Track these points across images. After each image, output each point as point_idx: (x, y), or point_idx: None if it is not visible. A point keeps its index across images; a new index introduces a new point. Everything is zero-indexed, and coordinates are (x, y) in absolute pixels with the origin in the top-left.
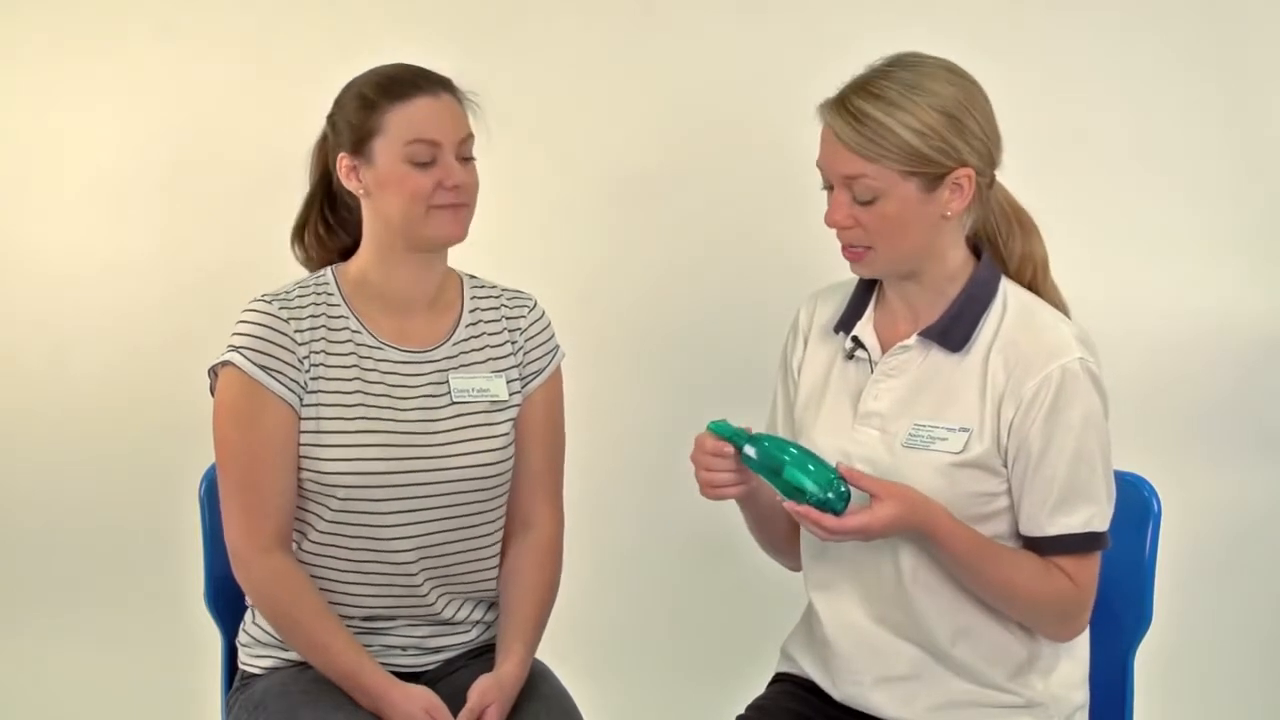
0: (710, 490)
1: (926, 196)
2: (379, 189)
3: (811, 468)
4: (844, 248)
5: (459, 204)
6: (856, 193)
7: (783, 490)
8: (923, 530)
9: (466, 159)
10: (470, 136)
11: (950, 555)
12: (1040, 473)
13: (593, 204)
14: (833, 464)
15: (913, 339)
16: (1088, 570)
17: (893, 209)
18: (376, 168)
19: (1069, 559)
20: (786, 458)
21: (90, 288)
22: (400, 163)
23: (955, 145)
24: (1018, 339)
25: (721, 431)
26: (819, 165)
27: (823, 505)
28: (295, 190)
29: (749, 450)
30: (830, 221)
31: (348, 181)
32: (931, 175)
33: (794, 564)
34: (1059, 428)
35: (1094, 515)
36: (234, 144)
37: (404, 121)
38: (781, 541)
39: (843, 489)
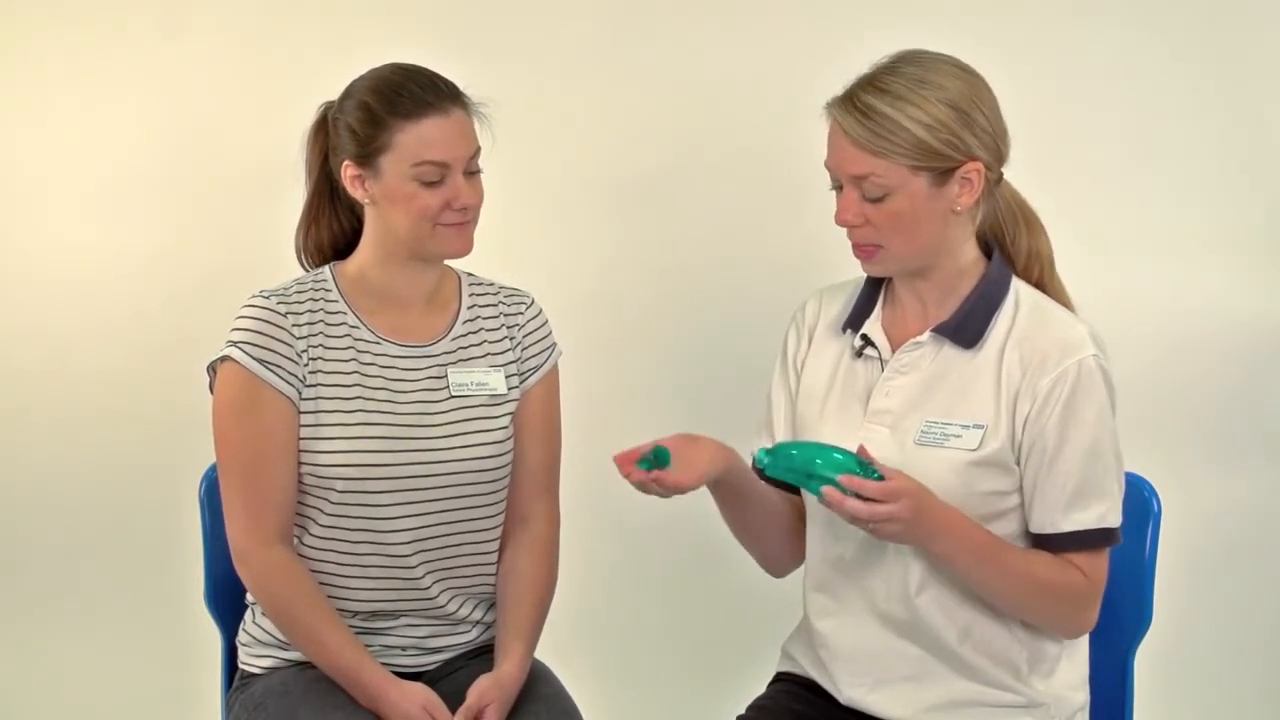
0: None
1: (936, 191)
2: (386, 202)
3: (839, 456)
4: (855, 246)
5: (465, 221)
6: (866, 190)
7: (814, 489)
8: (939, 519)
9: (473, 173)
10: (478, 150)
11: (969, 547)
12: (1055, 469)
13: (596, 206)
14: (853, 449)
15: (925, 335)
16: (1100, 565)
17: (903, 205)
18: (383, 182)
19: (1082, 555)
20: (818, 459)
21: (90, 289)
22: (408, 181)
23: (964, 139)
24: (1033, 335)
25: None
26: (827, 166)
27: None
28: (295, 192)
29: (778, 460)
30: (840, 221)
31: (353, 190)
32: (940, 170)
33: (772, 555)
34: (1074, 424)
35: (1107, 511)
36: (234, 146)
37: (413, 142)
38: (756, 528)
39: (872, 470)
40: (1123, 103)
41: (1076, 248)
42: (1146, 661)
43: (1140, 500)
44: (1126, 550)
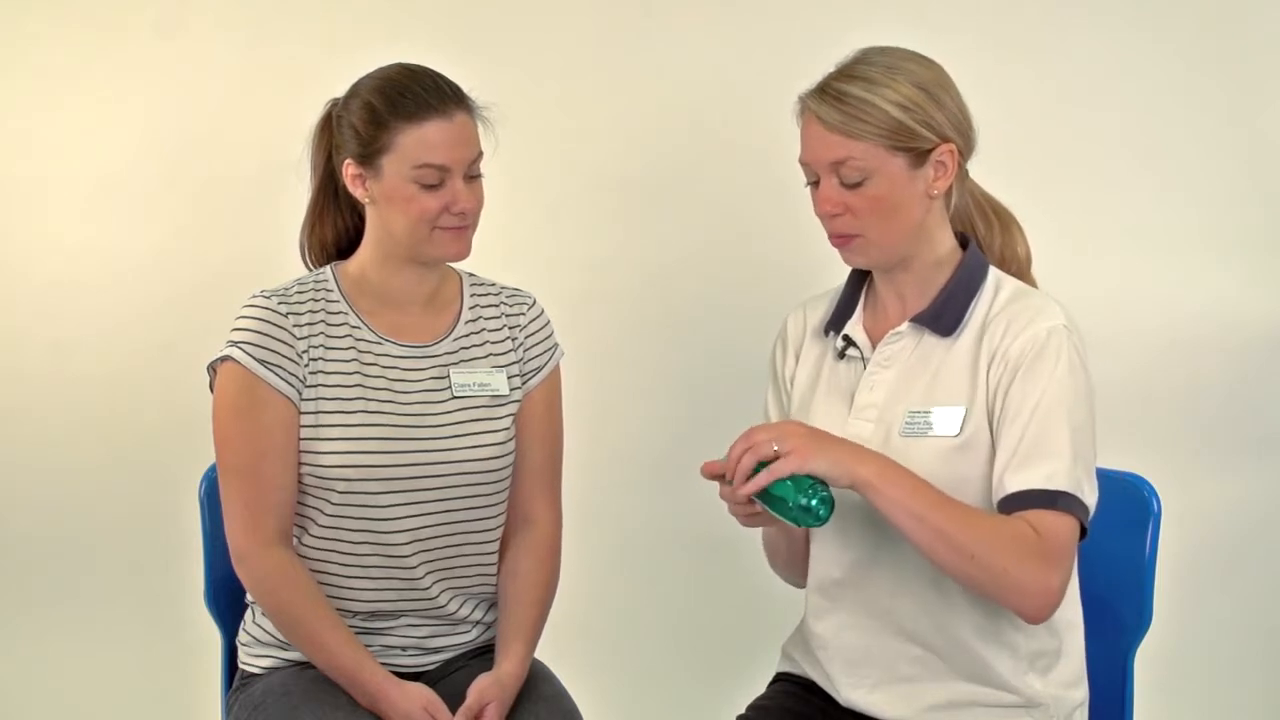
0: (745, 519)
1: (913, 174)
2: (385, 203)
3: (790, 482)
4: (833, 236)
5: (463, 226)
6: (844, 176)
7: (765, 502)
8: (850, 442)
9: (474, 177)
10: (479, 155)
11: (899, 474)
12: (1012, 428)
13: (594, 205)
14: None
15: (904, 325)
16: (1051, 525)
17: (882, 189)
18: (383, 183)
19: (1029, 511)
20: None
21: (90, 288)
22: (407, 183)
23: (935, 119)
24: (1009, 311)
25: None
26: (802, 161)
27: (805, 510)
28: (296, 192)
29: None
30: (820, 210)
31: (353, 189)
32: (917, 151)
33: (798, 567)
34: (1032, 383)
35: (1055, 472)
36: (234, 145)
37: (414, 144)
38: (804, 563)
39: (824, 493)
40: (1123, 103)
41: (1076, 248)
42: (1146, 661)
43: (1140, 500)
44: (1126, 550)
